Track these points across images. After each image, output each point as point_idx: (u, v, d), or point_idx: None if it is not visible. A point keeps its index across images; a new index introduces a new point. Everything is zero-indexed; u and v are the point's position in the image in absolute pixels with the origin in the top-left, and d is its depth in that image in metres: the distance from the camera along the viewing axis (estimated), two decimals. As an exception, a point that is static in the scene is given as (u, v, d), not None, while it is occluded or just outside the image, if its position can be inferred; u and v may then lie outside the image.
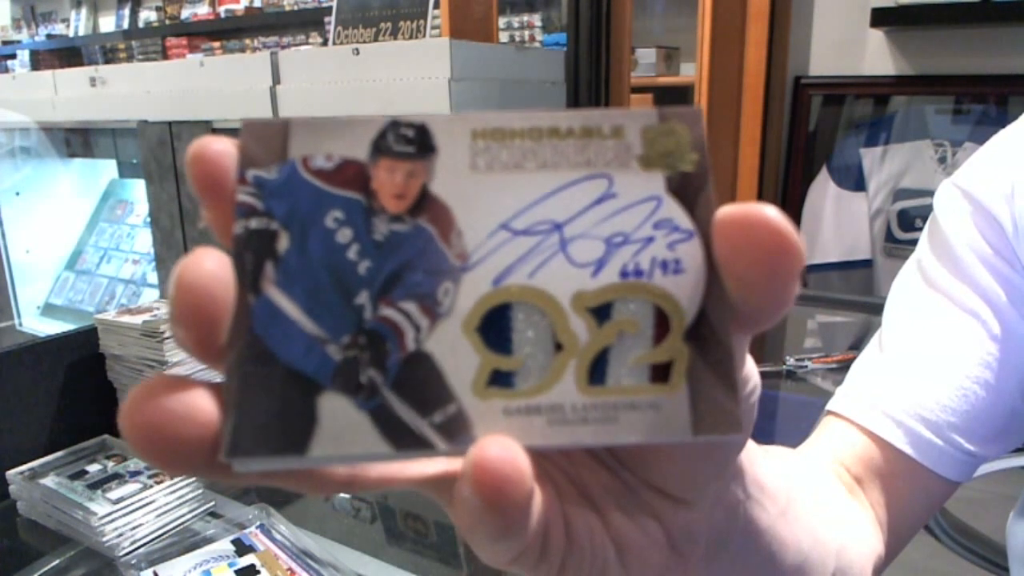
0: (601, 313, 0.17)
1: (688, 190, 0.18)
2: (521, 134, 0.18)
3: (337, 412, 0.16)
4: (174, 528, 0.84)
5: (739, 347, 0.18)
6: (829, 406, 0.45)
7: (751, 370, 0.20)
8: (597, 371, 0.17)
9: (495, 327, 0.17)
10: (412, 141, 0.17)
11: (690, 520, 0.22)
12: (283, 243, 0.17)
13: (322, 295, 0.17)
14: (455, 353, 0.17)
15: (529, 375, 0.17)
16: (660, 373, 0.17)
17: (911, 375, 0.42)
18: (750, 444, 0.24)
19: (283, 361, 0.16)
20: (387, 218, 0.17)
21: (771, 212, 0.17)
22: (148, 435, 0.15)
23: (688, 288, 0.17)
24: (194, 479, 0.88)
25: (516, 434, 0.16)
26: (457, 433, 0.16)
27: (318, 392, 0.16)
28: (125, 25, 4.36)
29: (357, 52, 1.36)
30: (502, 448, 0.16)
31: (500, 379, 0.17)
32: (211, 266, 0.16)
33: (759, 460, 0.25)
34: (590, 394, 0.17)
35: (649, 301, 0.17)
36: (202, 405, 0.16)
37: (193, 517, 0.86)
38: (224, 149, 0.17)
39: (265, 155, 0.17)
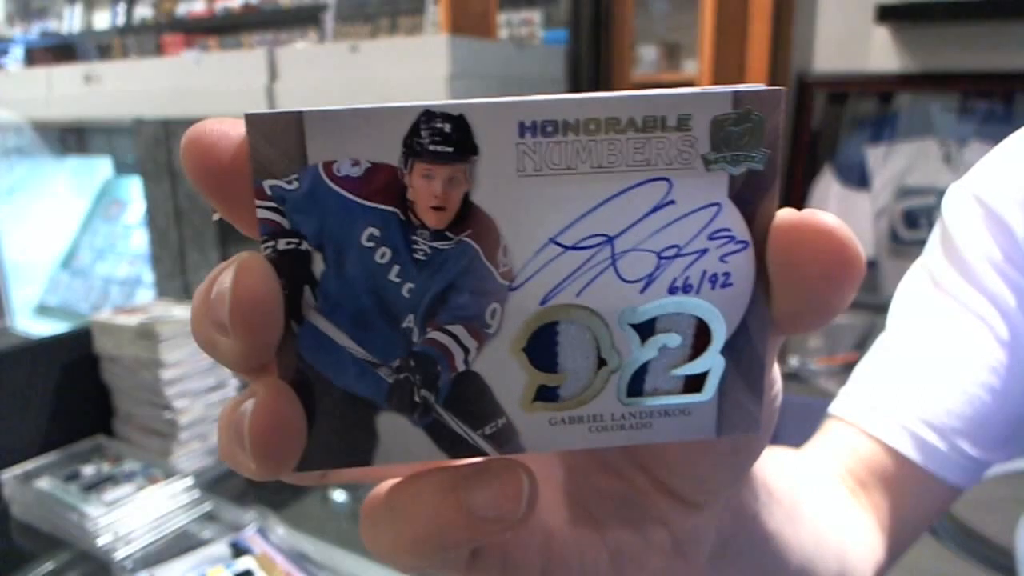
0: (645, 328, 0.17)
1: (751, 192, 0.16)
2: (575, 127, 0.16)
3: (395, 429, 0.17)
4: (170, 531, 0.83)
5: (773, 350, 0.18)
6: (832, 409, 0.44)
7: (775, 375, 0.20)
8: (636, 383, 0.17)
9: (541, 345, 0.17)
10: (449, 138, 0.15)
11: (698, 523, 0.22)
12: (318, 266, 0.16)
13: (368, 321, 0.16)
14: (503, 372, 0.17)
15: (573, 389, 0.17)
16: (694, 383, 0.18)
17: (917, 379, 0.42)
18: None
19: (338, 385, 0.17)
20: (427, 234, 0.16)
21: (830, 219, 0.16)
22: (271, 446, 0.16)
23: (734, 301, 0.17)
24: (191, 482, 0.87)
25: (560, 440, 0.17)
26: (507, 442, 0.17)
27: (375, 412, 0.17)
28: (120, 22, 4.35)
29: (355, 49, 1.35)
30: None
31: (546, 394, 0.17)
32: (266, 274, 0.15)
33: (767, 464, 0.26)
34: (628, 404, 0.18)
35: (694, 316, 0.17)
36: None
37: (189, 520, 0.85)
38: (223, 134, 0.15)
39: (279, 159, 0.15)
